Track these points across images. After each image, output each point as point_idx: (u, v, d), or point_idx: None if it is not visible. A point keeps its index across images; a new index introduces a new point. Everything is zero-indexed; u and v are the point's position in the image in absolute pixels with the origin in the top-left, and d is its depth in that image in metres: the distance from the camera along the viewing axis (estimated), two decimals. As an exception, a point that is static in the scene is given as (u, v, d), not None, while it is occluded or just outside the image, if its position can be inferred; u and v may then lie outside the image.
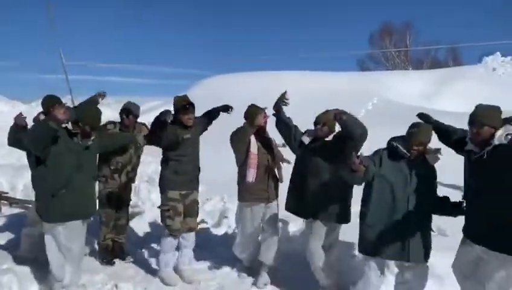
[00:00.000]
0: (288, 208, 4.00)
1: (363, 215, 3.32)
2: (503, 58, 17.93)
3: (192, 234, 4.32)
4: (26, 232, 4.55)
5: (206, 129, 4.41)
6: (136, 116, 4.65)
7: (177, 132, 4.05)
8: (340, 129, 3.58)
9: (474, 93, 14.77)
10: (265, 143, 4.14)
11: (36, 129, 3.41)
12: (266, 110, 4.04)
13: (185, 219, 4.23)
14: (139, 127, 4.73)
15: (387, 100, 13.36)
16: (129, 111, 4.57)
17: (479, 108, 2.89)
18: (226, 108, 4.39)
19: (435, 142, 3.28)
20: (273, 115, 4.04)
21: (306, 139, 3.87)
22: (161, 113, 3.92)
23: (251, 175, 3.97)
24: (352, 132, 3.46)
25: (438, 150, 3.23)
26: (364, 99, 12.93)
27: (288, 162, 4.16)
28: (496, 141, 2.73)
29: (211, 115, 4.43)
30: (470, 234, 3.00)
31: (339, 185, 3.61)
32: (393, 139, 3.30)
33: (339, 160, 3.43)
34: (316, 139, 3.85)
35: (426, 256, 3.22)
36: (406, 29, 32.13)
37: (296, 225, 4.99)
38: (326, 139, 3.81)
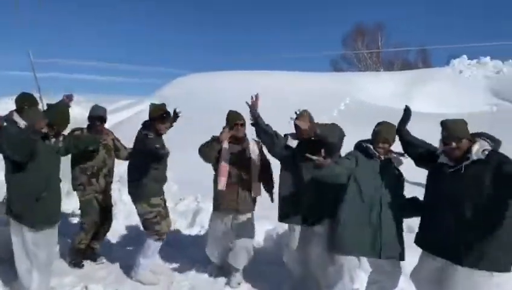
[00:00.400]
0: (284, 218, 3.82)
1: (336, 214, 3.35)
2: (469, 61, 18.57)
3: None
4: None
5: None
6: (106, 121, 4.58)
7: (157, 141, 4.03)
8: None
9: (443, 95, 15.26)
10: (240, 153, 4.07)
11: (19, 143, 3.31)
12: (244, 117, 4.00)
13: (167, 220, 4.27)
14: (106, 131, 4.65)
15: (359, 101, 13.60)
16: (102, 118, 4.49)
17: (451, 123, 2.89)
18: (176, 115, 4.39)
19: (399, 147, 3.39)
20: (252, 124, 3.90)
21: (293, 143, 3.77)
22: (159, 150, 3.95)
23: (221, 183, 3.97)
24: (329, 140, 3.46)
25: (402, 154, 3.35)
26: (336, 99, 13.11)
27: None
28: (475, 156, 2.78)
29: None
30: (435, 247, 3.01)
31: (335, 185, 3.58)
32: (362, 141, 3.40)
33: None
34: (301, 141, 3.74)
35: (401, 255, 3.28)
36: (378, 30, 32.81)
37: (271, 223, 5.01)
38: (312, 138, 3.65)
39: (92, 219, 4.49)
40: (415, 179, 3.85)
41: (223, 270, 4.33)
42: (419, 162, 3.30)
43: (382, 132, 3.26)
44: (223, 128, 3.96)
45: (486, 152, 2.78)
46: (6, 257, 4.07)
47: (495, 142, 2.87)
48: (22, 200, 3.47)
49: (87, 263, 4.54)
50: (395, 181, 3.30)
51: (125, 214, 6.12)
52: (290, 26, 61.55)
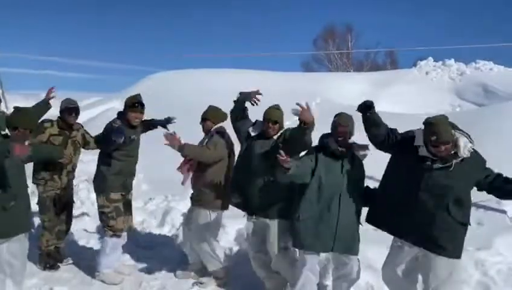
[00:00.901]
0: (233, 202, 3.87)
1: (295, 210, 3.37)
2: (435, 62, 19.15)
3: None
4: None
5: (144, 132, 4.41)
6: (79, 114, 4.47)
7: (126, 132, 3.97)
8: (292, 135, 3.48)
9: (410, 95, 15.68)
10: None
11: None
12: None
13: (126, 218, 4.19)
14: (77, 126, 4.54)
15: (330, 100, 13.76)
16: (77, 110, 4.39)
17: (440, 127, 2.88)
18: (167, 122, 4.35)
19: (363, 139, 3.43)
20: (234, 101, 3.89)
21: (253, 132, 3.76)
22: (116, 134, 3.89)
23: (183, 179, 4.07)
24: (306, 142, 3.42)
25: (365, 146, 3.39)
26: (308, 99, 13.14)
27: None
28: (464, 155, 2.91)
29: (152, 125, 4.46)
30: (412, 237, 3.08)
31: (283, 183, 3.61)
32: (325, 136, 3.41)
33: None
34: (262, 134, 3.72)
35: (355, 249, 3.33)
36: (348, 32, 33.38)
37: (241, 222, 5.00)
38: (275, 137, 3.68)
39: (52, 215, 4.35)
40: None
41: (194, 269, 4.28)
42: (382, 146, 3.29)
43: (339, 120, 3.28)
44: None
45: (472, 149, 2.95)
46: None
47: (469, 136, 3.00)
48: None
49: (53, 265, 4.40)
50: (355, 178, 3.34)
51: (93, 213, 5.99)
52: (261, 26, 61.81)
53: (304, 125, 3.23)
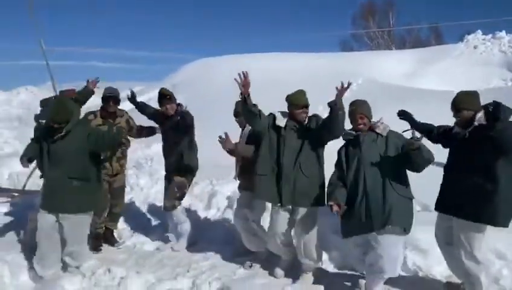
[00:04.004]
0: (261, 195, 3.78)
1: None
2: (484, 36, 18.09)
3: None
4: (32, 217, 4.42)
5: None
6: (119, 102, 4.65)
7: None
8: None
9: (456, 72, 14.97)
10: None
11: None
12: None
13: None
14: (120, 113, 4.71)
15: (372, 80, 13.40)
16: (115, 99, 4.59)
17: (457, 94, 3.24)
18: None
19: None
20: (240, 95, 3.66)
21: (282, 122, 3.69)
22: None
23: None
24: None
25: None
26: (349, 79, 12.92)
27: None
28: (476, 122, 3.05)
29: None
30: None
31: (317, 168, 3.67)
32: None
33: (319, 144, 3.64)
34: (290, 120, 3.70)
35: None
36: (389, 8, 32.15)
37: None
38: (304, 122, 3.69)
39: (102, 201, 4.53)
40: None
41: (242, 251, 4.38)
42: (435, 140, 3.56)
43: (357, 109, 3.46)
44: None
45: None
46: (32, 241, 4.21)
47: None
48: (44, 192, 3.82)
49: (107, 248, 4.68)
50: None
51: (142, 198, 6.24)
52: (297, 8, 60.64)
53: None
